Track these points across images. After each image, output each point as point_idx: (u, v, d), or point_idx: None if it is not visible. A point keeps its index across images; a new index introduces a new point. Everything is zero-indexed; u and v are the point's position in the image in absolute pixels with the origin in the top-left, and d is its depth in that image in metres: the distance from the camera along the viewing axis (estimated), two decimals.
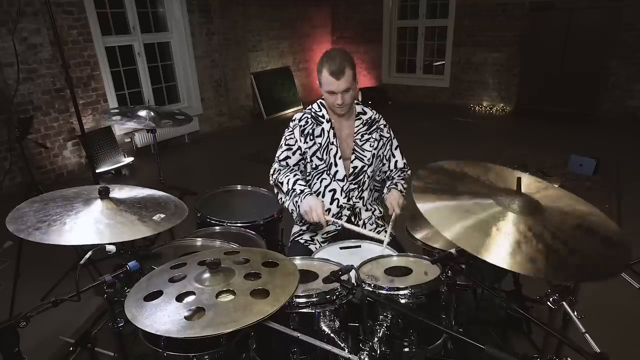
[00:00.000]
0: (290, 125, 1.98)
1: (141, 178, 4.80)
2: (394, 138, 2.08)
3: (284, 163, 1.96)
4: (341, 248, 1.80)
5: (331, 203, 1.98)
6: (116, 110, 2.87)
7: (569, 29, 6.00)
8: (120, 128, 5.17)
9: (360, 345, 1.28)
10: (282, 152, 1.96)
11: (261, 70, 7.27)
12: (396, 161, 2.08)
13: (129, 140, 5.38)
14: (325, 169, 1.96)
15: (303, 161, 1.97)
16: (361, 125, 1.99)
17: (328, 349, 1.22)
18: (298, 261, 1.55)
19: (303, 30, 7.98)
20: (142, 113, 2.66)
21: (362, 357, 1.23)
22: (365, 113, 2.01)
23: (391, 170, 2.08)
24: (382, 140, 2.02)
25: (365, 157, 1.98)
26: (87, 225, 1.28)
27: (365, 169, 1.98)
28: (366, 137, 1.99)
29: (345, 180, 1.96)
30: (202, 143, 6.08)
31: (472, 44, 7.25)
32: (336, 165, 1.95)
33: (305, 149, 1.94)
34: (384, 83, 8.38)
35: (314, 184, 2.00)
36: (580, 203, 1.30)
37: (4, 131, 4.21)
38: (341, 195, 1.97)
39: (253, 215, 2.06)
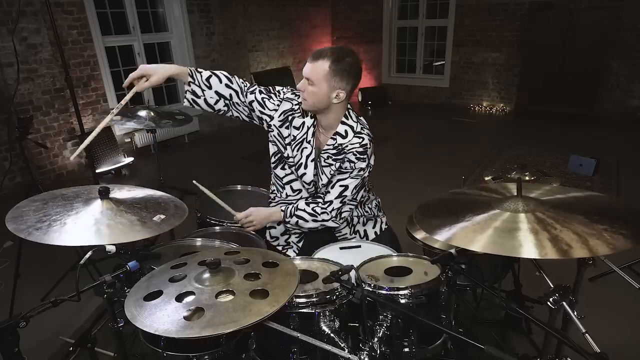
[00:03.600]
0: (286, 93, 1.77)
1: (141, 178, 4.80)
2: (354, 176, 1.71)
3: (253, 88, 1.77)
4: (341, 248, 1.80)
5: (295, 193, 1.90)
6: (116, 110, 2.87)
7: (569, 28, 6.00)
8: (120, 128, 5.17)
9: (360, 345, 1.28)
10: (263, 89, 1.77)
11: (261, 70, 7.27)
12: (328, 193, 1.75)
13: (129, 140, 5.38)
14: (294, 166, 1.81)
15: (254, 107, 1.75)
16: (331, 147, 1.72)
17: (328, 349, 1.22)
18: (298, 261, 1.56)
19: (303, 30, 7.98)
20: (142, 113, 2.66)
21: (362, 357, 1.23)
22: (345, 136, 1.69)
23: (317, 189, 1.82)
24: (341, 170, 1.74)
25: (321, 180, 1.79)
26: (87, 225, 1.27)
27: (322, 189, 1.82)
28: (329, 161, 1.74)
29: (312, 185, 1.83)
30: (202, 143, 6.08)
31: (472, 44, 7.25)
32: (306, 167, 1.77)
33: (274, 125, 1.77)
34: (384, 83, 8.38)
35: (281, 169, 1.86)
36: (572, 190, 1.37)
37: (4, 131, 4.21)
38: (307, 194, 1.89)
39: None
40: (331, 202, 1.73)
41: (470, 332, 1.97)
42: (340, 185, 1.72)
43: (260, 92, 1.76)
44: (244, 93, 1.75)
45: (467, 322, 2.08)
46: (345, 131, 1.70)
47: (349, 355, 1.23)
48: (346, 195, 1.72)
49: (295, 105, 1.76)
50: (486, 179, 2.23)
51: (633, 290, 1.74)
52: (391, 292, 1.37)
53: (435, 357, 1.44)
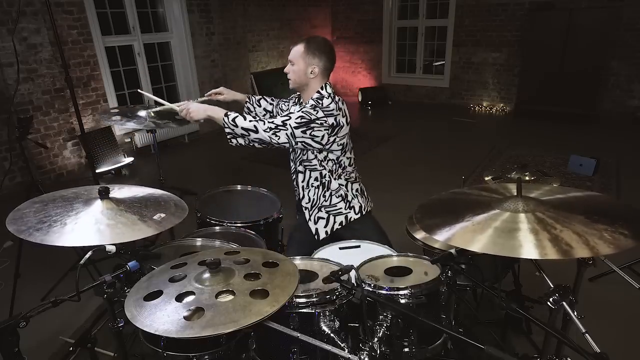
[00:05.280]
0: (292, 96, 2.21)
1: (141, 178, 4.80)
2: (302, 110, 1.85)
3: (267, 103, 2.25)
4: (341, 248, 1.80)
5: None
6: (116, 110, 2.87)
7: (569, 28, 6.00)
8: (120, 128, 5.17)
9: (360, 345, 1.28)
10: (284, 99, 2.22)
11: (261, 70, 7.27)
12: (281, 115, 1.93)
13: (129, 140, 5.39)
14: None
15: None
16: None
17: (328, 349, 1.22)
18: (298, 261, 1.56)
19: (303, 30, 7.97)
20: (142, 113, 2.66)
21: (362, 357, 1.23)
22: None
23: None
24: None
25: None
26: (87, 225, 1.28)
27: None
28: None
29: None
30: (202, 143, 6.08)
31: (472, 44, 7.25)
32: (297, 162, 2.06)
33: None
34: (384, 83, 8.38)
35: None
36: (572, 190, 1.37)
37: (4, 131, 4.21)
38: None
39: (253, 215, 2.06)
40: (275, 117, 1.92)
41: (470, 332, 1.97)
42: (289, 113, 1.89)
43: (283, 101, 2.25)
44: (279, 105, 2.25)
45: (467, 322, 2.08)
46: (317, 98, 1.94)
47: (349, 355, 1.23)
48: (289, 118, 1.83)
49: (295, 99, 2.15)
50: (486, 179, 2.23)
51: (633, 290, 1.74)
52: (391, 292, 1.37)
53: (435, 357, 1.45)
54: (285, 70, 1.98)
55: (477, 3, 6.97)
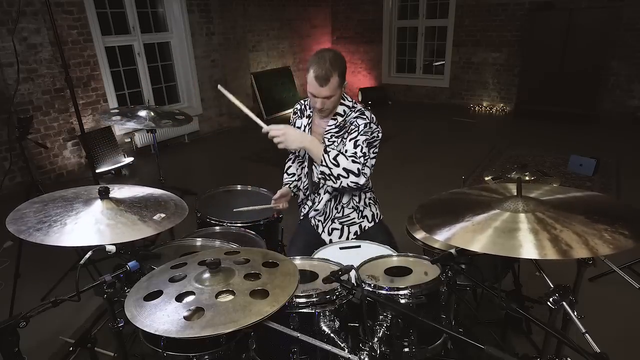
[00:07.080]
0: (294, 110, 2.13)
1: (141, 178, 4.80)
2: (362, 133, 1.80)
3: None
4: (341, 248, 1.80)
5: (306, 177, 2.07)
6: (116, 110, 2.87)
7: (569, 28, 6.00)
8: (120, 128, 5.17)
9: (360, 345, 1.28)
10: None
11: (261, 70, 7.27)
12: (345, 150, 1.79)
13: (129, 140, 5.38)
14: (303, 159, 2.05)
15: None
16: (333, 127, 1.90)
17: (328, 349, 1.22)
18: (298, 261, 1.56)
19: (303, 30, 7.98)
20: (142, 113, 2.66)
21: (362, 357, 1.23)
22: (343, 115, 1.88)
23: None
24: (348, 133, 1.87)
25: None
26: (87, 225, 1.28)
27: None
28: (333, 139, 1.89)
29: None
30: (202, 143, 6.08)
31: (472, 44, 7.25)
32: (310, 160, 2.00)
33: None
34: (384, 83, 8.38)
35: (298, 169, 2.11)
36: (572, 190, 1.37)
37: (4, 131, 4.21)
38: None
39: (253, 215, 2.06)
40: (353, 152, 1.76)
41: (470, 332, 1.98)
42: (352, 139, 1.79)
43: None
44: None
45: (467, 322, 2.08)
46: (344, 110, 1.89)
47: (349, 355, 1.23)
48: (360, 146, 1.76)
49: (296, 113, 2.07)
50: (486, 179, 2.23)
51: (633, 290, 1.74)
52: (391, 292, 1.37)
53: (435, 357, 1.45)
54: (320, 107, 1.80)
55: (477, 3, 6.97)
